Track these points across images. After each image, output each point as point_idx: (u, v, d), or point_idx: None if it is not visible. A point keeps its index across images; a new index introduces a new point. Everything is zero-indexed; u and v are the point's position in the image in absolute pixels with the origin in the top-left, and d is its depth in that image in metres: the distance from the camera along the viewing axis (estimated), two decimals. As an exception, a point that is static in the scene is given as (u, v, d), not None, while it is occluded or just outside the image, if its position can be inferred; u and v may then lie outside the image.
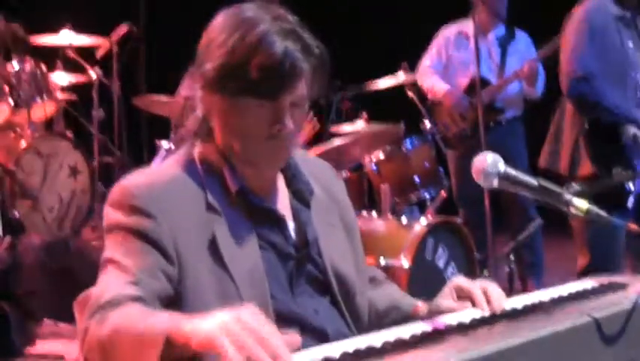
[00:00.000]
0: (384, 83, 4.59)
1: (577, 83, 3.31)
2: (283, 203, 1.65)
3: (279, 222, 1.61)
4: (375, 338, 1.32)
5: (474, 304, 1.57)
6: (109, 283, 1.42)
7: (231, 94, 1.50)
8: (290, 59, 1.48)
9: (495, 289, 1.58)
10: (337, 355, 1.21)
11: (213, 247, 1.50)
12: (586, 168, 3.31)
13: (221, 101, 1.52)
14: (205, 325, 1.18)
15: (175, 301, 1.45)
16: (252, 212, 1.57)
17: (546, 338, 1.29)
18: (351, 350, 1.24)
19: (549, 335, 1.30)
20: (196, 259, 1.48)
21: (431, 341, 1.28)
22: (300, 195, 1.67)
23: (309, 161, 1.78)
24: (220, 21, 1.55)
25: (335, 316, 1.62)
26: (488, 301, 1.55)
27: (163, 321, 1.26)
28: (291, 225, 1.63)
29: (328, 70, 1.57)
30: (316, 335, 1.51)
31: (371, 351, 1.23)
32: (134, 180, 1.54)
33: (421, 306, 1.70)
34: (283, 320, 1.47)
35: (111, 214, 1.52)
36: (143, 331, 1.27)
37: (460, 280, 1.64)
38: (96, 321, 1.35)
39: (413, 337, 1.31)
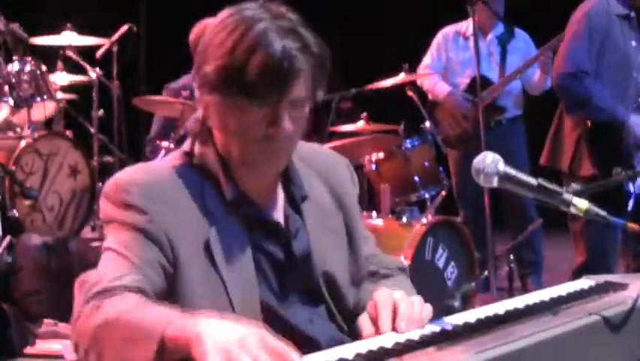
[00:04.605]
0: (384, 83, 4.59)
1: (566, 79, 3.29)
2: (280, 209, 1.62)
3: (274, 230, 1.59)
4: (386, 339, 1.33)
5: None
6: (107, 270, 1.42)
7: (229, 95, 1.48)
8: (288, 58, 1.45)
9: (406, 306, 1.44)
10: (351, 356, 1.22)
11: (207, 251, 1.49)
12: (587, 167, 3.30)
13: (219, 102, 1.50)
14: (212, 334, 1.17)
15: (167, 296, 1.44)
16: (247, 220, 1.56)
17: (556, 338, 1.30)
18: (364, 351, 1.24)
19: (559, 334, 1.31)
20: (189, 259, 1.47)
21: (442, 341, 1.29)
22: (293, 201, 1.64)
23: (320, 156, 1.75)
24: (220, 19, 1.52)
25: (330, 325, 1.60)
26: (394, 319, 1.43)
27: (161, 318, 1.25)
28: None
29: (329, 69, 1.54)
30: (308, 345, 1.47)
31: (384, 352, 1.24)
32: (129, 176, 1.52)
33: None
34: (274, 328, 1.41)
35: (106, 207, 1.52)
36: (140, 325, 1.25)
37: (377, 295, 1.51)
38: (90, 308, 1.34)
39: (423, 337, 1.32)
